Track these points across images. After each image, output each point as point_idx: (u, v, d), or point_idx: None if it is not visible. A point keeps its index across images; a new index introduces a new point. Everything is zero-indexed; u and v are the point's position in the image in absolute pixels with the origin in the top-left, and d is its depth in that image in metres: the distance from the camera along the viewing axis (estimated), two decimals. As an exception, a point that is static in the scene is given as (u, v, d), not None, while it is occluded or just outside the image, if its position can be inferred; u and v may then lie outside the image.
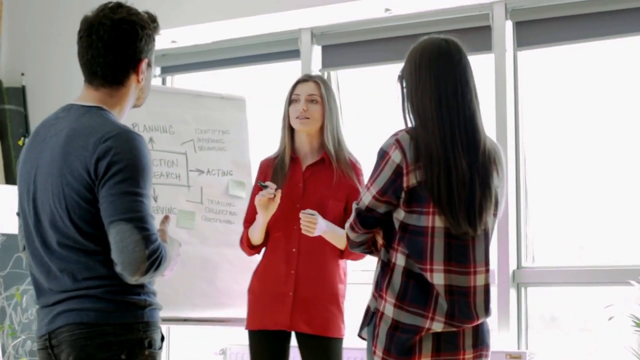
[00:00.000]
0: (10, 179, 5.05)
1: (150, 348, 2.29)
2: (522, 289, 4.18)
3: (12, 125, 5.15)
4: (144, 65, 2.39)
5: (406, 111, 2.64)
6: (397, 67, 4.53)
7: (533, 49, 4.30)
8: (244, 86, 4.92)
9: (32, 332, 4.38)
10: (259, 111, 4.61)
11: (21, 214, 2.43)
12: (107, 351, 2.22)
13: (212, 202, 4.00)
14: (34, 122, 5.22)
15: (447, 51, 2.59)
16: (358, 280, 4.51)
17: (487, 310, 2.57)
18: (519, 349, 4.10)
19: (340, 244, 3.33)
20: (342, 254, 3.41)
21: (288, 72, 4.85)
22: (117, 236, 2.15)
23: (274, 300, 3.35)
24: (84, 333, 2.23)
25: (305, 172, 3.44)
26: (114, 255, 2.18)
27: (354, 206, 2.64)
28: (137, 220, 2.16)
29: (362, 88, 4.81)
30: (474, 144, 2.54)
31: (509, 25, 4.27)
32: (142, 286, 2.30)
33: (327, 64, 4.75)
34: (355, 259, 3.42)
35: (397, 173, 2.49)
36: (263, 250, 3.50)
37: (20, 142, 5.12)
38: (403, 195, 2.50)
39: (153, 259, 2.17)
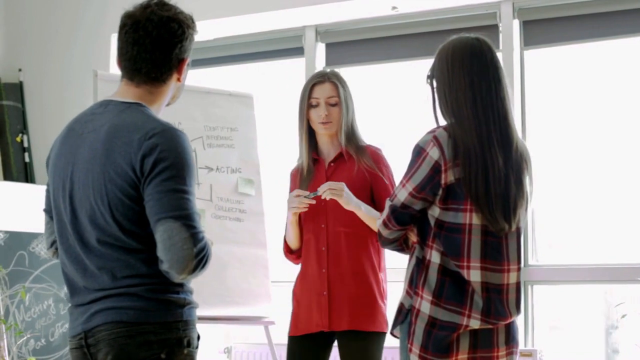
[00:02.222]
0: (8, 176, 4.98)
1: (189, 347, 2.27)
2: (529, 287, 4.20)
3: (10, 122, 5.08)
4: (186, 64, 2.38)
5: (437, 110, 2.64)
6: (402, 65, 4.63)
7: (540, 48, 4.33)
8: (246, 83, 4.88)
9: (36, 330, 4.33)
10: (262, 108, 4.57)
11: (54, 210, 2.37)
12: (147, 350, 2.19)
13: (222, 200, 3.98)
14: (32, 118, 5.16)
15: (480, 50, 2.61)
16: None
17: (518, 308, 2.59)
18: (525, 346, 4.12)
19: (373, 225, 3.26)
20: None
21: (292, 69, 4.84)
22: (165, 234, 2.13)
23: (311, 302, 3.33)
24: (123, 332, 2.19)
25: (328, 170, 3.42)
26: (161, 253, 2.15)
27: (388, 203, 2.63)
28: (185, 217, 2.14)
29: (365, 86, 4.81)
30: (508, 141, 2.56)
31: (516, 24, 4.30)
32: (181, 284, 2.27)
33: (331, 61, 4.74)
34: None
35: (435, 170, 2.50)
36: None
37: (18, 139, 5.06)
38: (440, 192, 2.50)
39: (200, 257, 2.15)
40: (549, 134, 4.34)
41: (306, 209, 3.29)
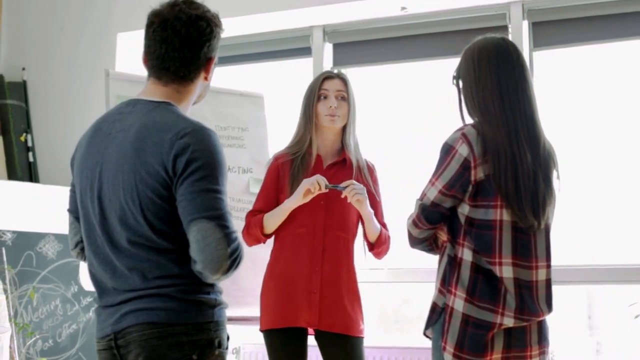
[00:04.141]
0: (12, 175, 4.94)
1: (220, 348, 2.26)
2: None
3: (14, 121, 5.04)
4: (213, 63, 2.37)
5: (463, 109, 2.65)
6: (411, 66, 4.63)
7: (549, 50, 4.33)
8: (254, 83, 4.87)
9: (43, 331, 4.30)
10: (269, 108, 4.56)
11: (81, 210, 2.35)
12: (178, 351, 2.18)
13: (234, 200, 3.97)
14: (36, 118, 5.12)
15: (506, 49, 2.63)
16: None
17: (549, 305, 2.59)
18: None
19: (373, 235, 3.36)
20: (371, 247, 3.41)
21: (299, 69, 4.83)
22: (199, 234, 2.12)
23: (299, 298, 3.31)
24: (154, 333, 2.18)
25: (327, 171, 3.41)
26: (195, 253, 2.13)
27: (417, 202, 2.63)
28: (219, 218, 2.13)
29: (373, 86, 4.81)
30: (536, 138, 2.59)
31: (525, 25, 4.30)
32: (212, 285, 2.27)
33: (338, 61, 4.73)
34: (378, 255, 3.44)
35: (465, 166, 2.51)
36: (270, 245, 3.47)
37: (22, 138, 5.02)
38: (470, 189, 2.51)
39: (234, 258, 2.14)
40: (557, 135, 4.33)
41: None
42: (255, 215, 3.42)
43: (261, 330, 3.38)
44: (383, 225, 3.43)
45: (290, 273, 3.34)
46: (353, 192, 3.22)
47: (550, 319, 2.67)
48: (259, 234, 3.38)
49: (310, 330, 3.37)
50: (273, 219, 3.36)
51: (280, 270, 3.38)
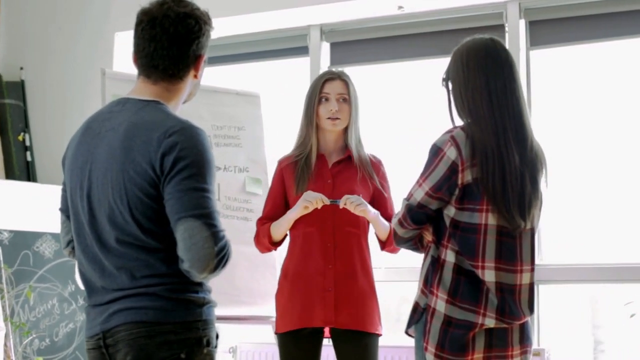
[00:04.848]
0: (10, 174, 4.95)
1: (208, 346, 2.26)
2: (535, 287, 4.18)
3: (12, 120, 5.05)
4: (202, 61, 2.37)
5: (453, 111, 2.65)
6: (408, 65, 4.63)
7: (546, 48, 4.33)
8: (251, 82, 4.87)
9: (40, 330, 4.31)
10: (266, 107, 4.56)
11: (71, 209, 2.35)
12: (167, 350, 2.18)
13: (230, 199, 3.97)
14: (34, 117, 5.14)
15: (495, 49, 2.62)
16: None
17: (531, 308, 2.60)
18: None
19: (383, 234, 3.35)
20: (383, 246, 3.40)
21: (296, 68, 4.83)
22: (186, 233, 2.11)
23: (313, 297, 3.30)
24: (143, 332, 2.18)
25: (333, 169, 3.42)
26: (182, 252, 2.13)
27: (403, 202, 2.63)
28: (206, 216, 2.13)
29: (370, 86, 4.80)
30: (524, 139, 2.58)
31: (522, 24, 4.30)
32: (200, 283, 2.27)
33: (335, 61, 4.74)
34: (393, 251, 3.42)
35: (452, 170, 2.50)
36: (283, 247, 3.48)
37: (19, 138, 5.03)
38: (457, 192, 2.51)
39: (221, 256, 2.14)
40: (554, 134, 4.34)
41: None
42: (264, 224, 3.45)
43: (276, 333, 3.39)
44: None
45: (303, 272, 3.34)
46: (353, 206, 3.23)
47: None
48: (267, 243, 3.42)
49: (326, 333, 3.36)
50: (279, 229, 3.39)
51: (294, 270, 3.37)
